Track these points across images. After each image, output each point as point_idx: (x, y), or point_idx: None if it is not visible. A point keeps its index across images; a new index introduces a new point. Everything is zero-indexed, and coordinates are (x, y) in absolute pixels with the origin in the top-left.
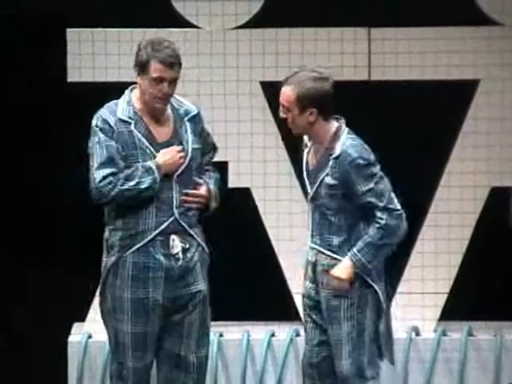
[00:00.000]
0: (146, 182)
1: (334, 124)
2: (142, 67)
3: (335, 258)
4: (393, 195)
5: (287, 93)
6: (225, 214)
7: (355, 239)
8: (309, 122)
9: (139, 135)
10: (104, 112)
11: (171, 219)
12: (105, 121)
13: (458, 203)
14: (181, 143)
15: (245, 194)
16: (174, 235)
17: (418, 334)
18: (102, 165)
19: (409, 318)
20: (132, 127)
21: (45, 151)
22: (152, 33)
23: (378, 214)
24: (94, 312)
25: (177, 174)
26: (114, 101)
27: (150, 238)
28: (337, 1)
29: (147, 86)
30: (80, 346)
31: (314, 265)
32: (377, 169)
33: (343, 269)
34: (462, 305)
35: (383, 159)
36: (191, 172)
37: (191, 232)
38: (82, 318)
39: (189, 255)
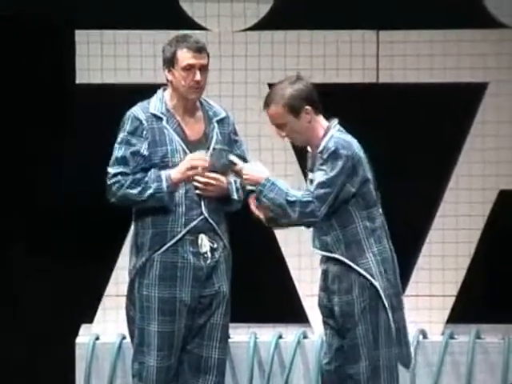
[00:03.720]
0: (151, 189)
1: (326, 123)
2: (170, 61)
3: (342, 261)
4: (328, 200)
5: (273, 111)
6: (232, 216)
7: (351, 236)
8: (308, 121)
9: (171, 131)
10: (135, 109)
11: (200, 218)
12: (135, 118)
13: (466, 206)
14: (209, 143)
15: None
16: (202, 234)
17: (425, 336)
18: (115, 163)
19: (416, 321)
20: (164, 123)
21: (53, 152)
22: (161, 34)
23: (306, 192)
24: (102, 313)
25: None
26: (147, 100)
27: (179, 237)
28: (345, 3)
29: (179, 79)
30: (88, 348)
31: (325, 273)
32: (341, 165)
33: (256, 173)
34: (470, 308)
35: (391, 161)
36: (216, 171)
37: (219, 231)
38: (89, 319)
39: (216, 255)
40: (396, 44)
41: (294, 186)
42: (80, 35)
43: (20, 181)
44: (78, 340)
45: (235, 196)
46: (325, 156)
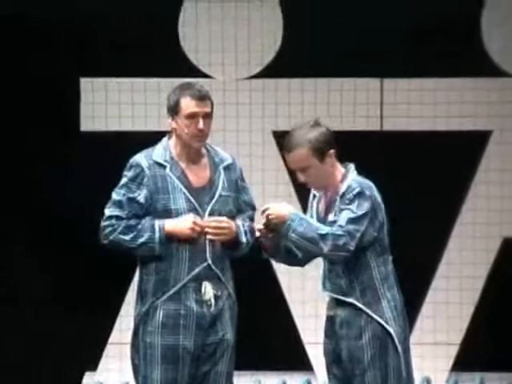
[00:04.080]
0: (143, 238)
1: (343, 168)
2: (173, 109)
3: (353, 306)
4: (357, 236)
5: (299, 155)
6: (236, 264)
7: (366, 281)
8: (331, 165)
9: (174, 178)
10: (139, 157)
11: (204, 265)
12: (138, 165)
13: (470, 253)
14: (215, 190)
15: (257, 243)
16: (206, 282)
17: None
18: (111, 206)
19: (421, 369)
20: (167, 170)
21: (59, 199)
22: (165, 82)
23: (336, 227)
24: (106, 361)
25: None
26: (152, 147)
27: (182, 283)
28: (349, 51)
29: (182, 126)
30: None
31: (332, 318)
32: (367, 206)
33: (282, 208)
34: (474, 355)
35: (395, 209)
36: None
37: (223, 279)
38: (93, 367)
39: (220, 303)
40: (400, 92)
41: None
42: (85, 83)
43: (25, 225)
44: None
45: (244, 239)
46: (349, 196)
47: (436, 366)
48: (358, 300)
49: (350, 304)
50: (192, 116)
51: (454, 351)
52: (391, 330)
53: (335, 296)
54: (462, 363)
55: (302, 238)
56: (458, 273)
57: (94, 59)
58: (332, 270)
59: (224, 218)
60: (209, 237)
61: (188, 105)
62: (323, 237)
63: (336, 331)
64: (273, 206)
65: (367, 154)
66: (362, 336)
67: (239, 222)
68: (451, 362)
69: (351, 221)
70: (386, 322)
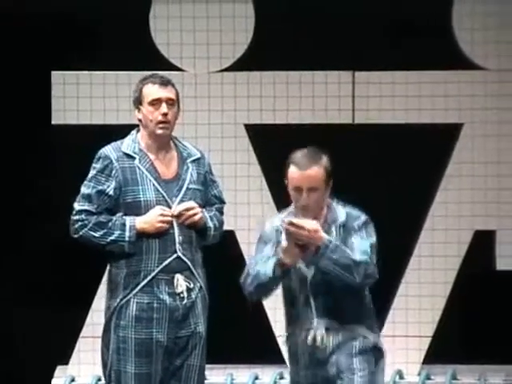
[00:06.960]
0: (114, 236)
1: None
2: (138, 99)
3: (351, 330)
4: (375, 263)
5: (316, 173)
6: (208, 257)
7: (359, 301)
8: (327, 195)
9: (143, 170)
10: (107, 149)
11: (174, 256)
12: (106, 157)
13: (441, 246)
14: (182, 183)
15: (229, 236)
16: (178, 274)
17: (401, 377)
18: (81, 200)
19: (393, 362)
20: (136, 162)
21: (29, 194)
22: (137, 75)
23: (364, 255)
24: (78, 355)
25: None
26: (120, 140)
27: (152, 275)
28: (321, 44)
29: (147, 115)
30: None
31: (321, 351)
32: (375, 234)
33: (318, 230)
34: (446, 348)
35: (366, 202)
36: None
37: (194, 271)
38: (65, 361)
39: (193, 295)
40: (371, 85)
41: None
42: (56, 76)
43: None
44: (54, 382)
45: (210, 224)
46: (357, 223)
47: (408, 358)
48: (366, 328)
49: (348, 329)
50: (155, 102)
51: (425, 344)
52: (383, 348)
53: (337, 326)
54: (433, 356)
55: (336, 265)
56: (429, 265)
57: (65, 52)
58: (325, 303)
59: (191, 202)
60: (187, 222)
61: (150, 91)
62: (357, 264)
63: (324, 361)
64: (309, 228)
65: (339, 147)
66: (353, 348)
67: (205, 209)
68: (423, 355)
69: (373, 248)
70: (380, 342)
